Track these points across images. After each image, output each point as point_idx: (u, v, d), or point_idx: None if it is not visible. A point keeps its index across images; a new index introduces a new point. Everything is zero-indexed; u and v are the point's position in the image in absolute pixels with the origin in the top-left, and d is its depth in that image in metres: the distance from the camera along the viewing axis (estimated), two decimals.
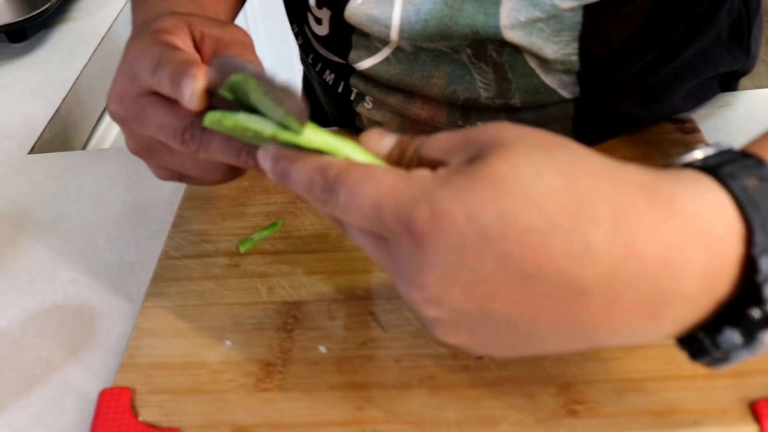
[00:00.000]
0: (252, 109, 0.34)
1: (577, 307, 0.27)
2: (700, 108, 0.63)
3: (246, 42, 0.42)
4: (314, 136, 0.33)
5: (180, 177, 0.44)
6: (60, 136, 0.80)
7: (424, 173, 0.29)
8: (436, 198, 0.28)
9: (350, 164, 0.31)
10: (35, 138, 0.74)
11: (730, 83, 0.66)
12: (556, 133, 0.30)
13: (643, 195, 0.27)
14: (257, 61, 0.41)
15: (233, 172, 0.42)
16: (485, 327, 0.29)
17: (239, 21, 1.70)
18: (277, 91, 0.31)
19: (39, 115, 0.79)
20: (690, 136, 0.60)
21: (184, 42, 0.41)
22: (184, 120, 0.38)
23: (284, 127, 0.33)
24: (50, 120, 0.78)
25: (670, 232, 0.27)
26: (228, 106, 0.36)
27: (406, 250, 0.28)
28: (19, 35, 0.95)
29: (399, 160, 0.33)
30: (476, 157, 0.29)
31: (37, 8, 0.93)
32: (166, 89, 0.38)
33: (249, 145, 0.38)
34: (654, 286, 0.27)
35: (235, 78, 0.33)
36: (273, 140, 0.34)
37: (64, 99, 0.82)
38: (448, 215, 0.27)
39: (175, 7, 0.48)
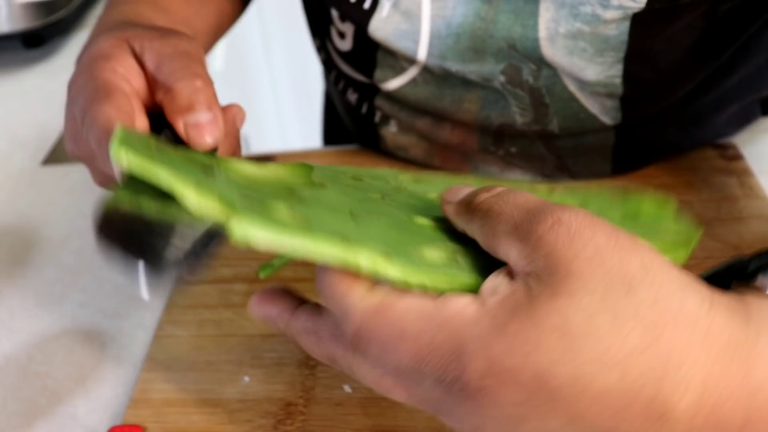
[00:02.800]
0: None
1: None
2: (741, 132, 0.60)
3: (190, 52, 0.38)
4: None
5: None
6: None
7: (468, 313, 0.25)
8: (493, 352, 0.24)
9: (369, 314, 0.26)
10: (48, 148, 0.72)
11: None
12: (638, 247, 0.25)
13: (735, 358, 0.23)
14: (203, 74, 0.36)
15: None
16: None
17: (256, 34, 1.67)
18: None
19: (53, 124, 0.77)
20: (733, 163, 0.57)
21: (123, 65, 0.38)
22: None
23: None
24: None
25: (761, 403, 0.23)
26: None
27: (455, 402, 0.25)
28: (36, 41, 0.92)
29: (469, 201, 0.29)
30: (537, 276, 0.24)
31: (54, 14, 0.91)
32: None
33: None
34: None
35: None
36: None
37: None
38: (510, 372, 0.24)
39: (134, 16, 0.46)
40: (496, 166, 0.57)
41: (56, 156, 0.73)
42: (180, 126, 0.34)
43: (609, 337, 0.23)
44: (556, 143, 0.54)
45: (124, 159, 0.26)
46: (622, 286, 0.23)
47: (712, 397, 0.23)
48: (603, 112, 0.52)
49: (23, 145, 0.73)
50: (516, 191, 0.28)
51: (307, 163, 0.35)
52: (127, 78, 0.37)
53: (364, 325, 0.26)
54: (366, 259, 0.26)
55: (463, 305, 0.25)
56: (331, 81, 0.63)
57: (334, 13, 0.56)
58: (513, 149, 0.55)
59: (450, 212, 0.30)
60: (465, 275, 0.27)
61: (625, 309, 0.23)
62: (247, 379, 0.43)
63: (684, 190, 0.55)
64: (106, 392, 0.45)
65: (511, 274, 0.26)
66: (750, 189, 0.54)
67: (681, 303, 0.24)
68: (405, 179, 0.37)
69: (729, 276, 0.28)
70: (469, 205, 0.29)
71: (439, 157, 0.58)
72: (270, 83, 1.63)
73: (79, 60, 0.41)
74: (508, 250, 0.26)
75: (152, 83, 0.38)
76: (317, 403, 0.41)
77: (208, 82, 0.36)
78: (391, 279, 0.26)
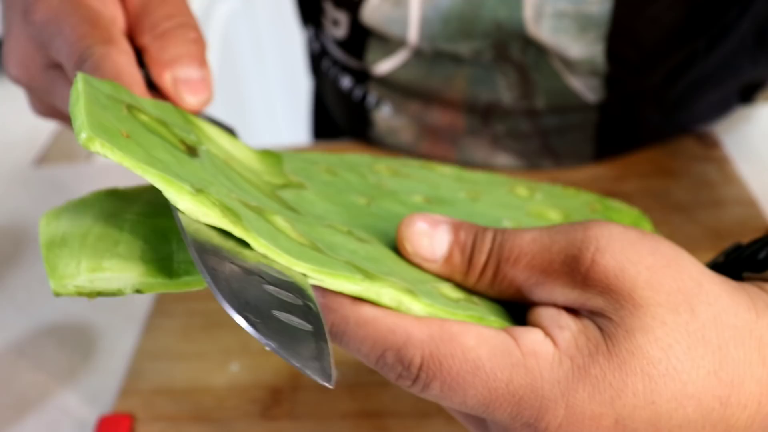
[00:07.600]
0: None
1: None
2: (721, 120, 0.61)
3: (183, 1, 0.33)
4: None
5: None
6: (66, 146, 0.78)
7: (544, 352, 0.23)
8: (575, 399, 0.23)
9: (436, 342, 0.23)
10: (41, 148, 0.73)
11: (749, 96, 0.64)
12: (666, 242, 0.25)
13: None
14: (197, 27, 0.32)
15: None
16: None
17: (243, 27, 1.67)
18: None
19: (45, 125, 0.77)
20: (711, 150, 0.58)
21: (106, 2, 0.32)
22: None
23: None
24: (57, 130, 0.76)
25: None
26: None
27: None
28: None
29: (464, 266, 0.26)
30: (602, 314, 0.23)
31: None
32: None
33: None
34: None
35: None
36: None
37: None
38: (591, 420, 0.23)
39: None
40: (483, 149, 0.58)
41: (47, 157, 0.74)
42: (166, 79, 0.30)
43: (686, 371, 0.23)
44: (541, 121, 0.56)
45: (99, 149, 0.22)
46: (685, 310, 0.23)
47: (766, 406, 0.23)
48: (587, 89, 0.54)
49: (14, 145, 0.73)
50: (512, 232, 0.26)
51: (274, 151, 0.33)
52: (107, 8, 0.32)
53: (429, 354, 0.23)
54: (390, 298, 0.24)
55: (538, 341, 0.23)
56: (324, 70, 0.65)
57: (328, 1, 0.57)
58: (499, 127, 0.57)
59: (432, 269, 0.27)
60: (492, 318, 0.25)
61: (693, 334, 0.23)
62: (235, 367, 0.44)
63: (664, 176, 0.56)
64: (96, 384, 0.46)
65: (568, 311, 0.25)
66: (728, 175, 0.55)
67: (735, 316, 0.24)
68: (382, 170, 0.37)
69: (736, 266, 0.27)
70: (469, 267, 0.26)
71: (428, 141, 0.60)
72: (258, 82, 1.64)
73: None
74: (551, 293, 0.25)
75: (133, 23, 0.33)
76: (304, 389, 0.42)
77: (202, 38, 0.32)
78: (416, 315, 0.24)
